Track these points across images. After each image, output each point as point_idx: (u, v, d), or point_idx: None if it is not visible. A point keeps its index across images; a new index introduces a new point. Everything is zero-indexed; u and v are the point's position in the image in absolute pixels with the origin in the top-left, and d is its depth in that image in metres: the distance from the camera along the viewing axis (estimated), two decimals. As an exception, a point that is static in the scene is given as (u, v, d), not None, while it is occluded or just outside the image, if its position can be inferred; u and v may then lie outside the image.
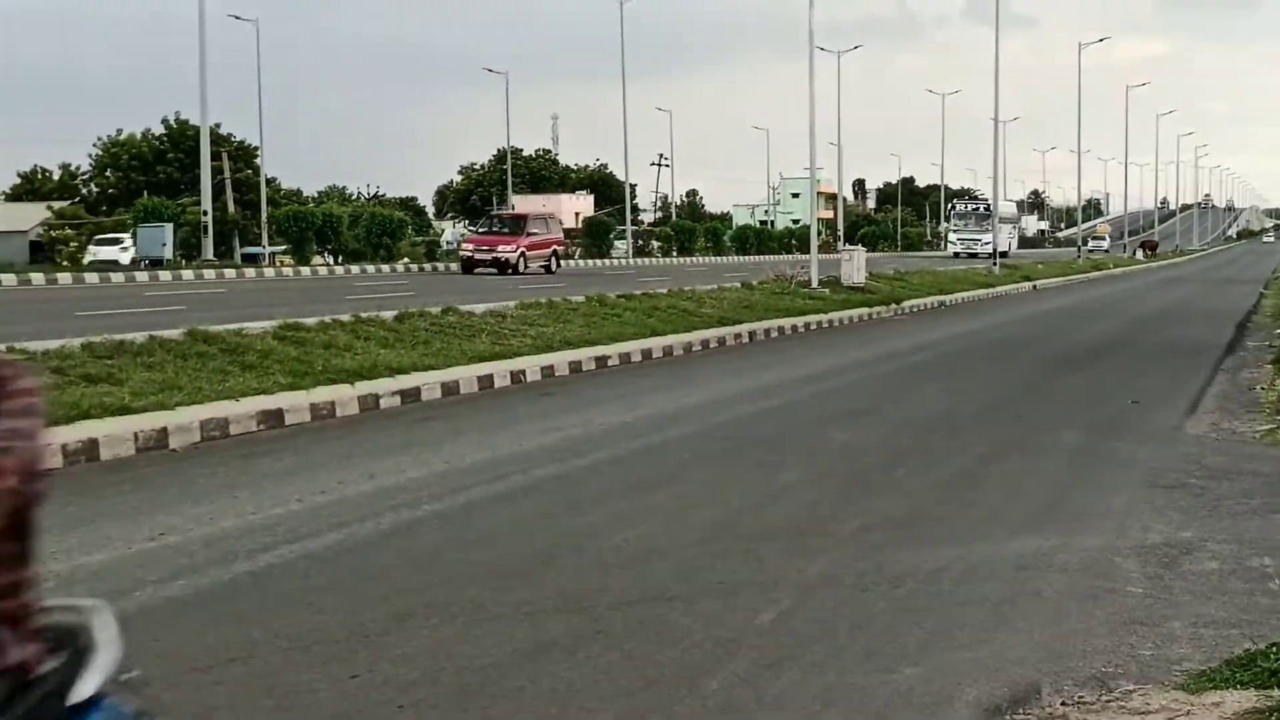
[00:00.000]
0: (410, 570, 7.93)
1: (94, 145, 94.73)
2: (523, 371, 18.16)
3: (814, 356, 22.98)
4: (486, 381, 17.22)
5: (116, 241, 58.06)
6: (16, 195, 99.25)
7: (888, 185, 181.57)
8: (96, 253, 55.59)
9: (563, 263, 56.41)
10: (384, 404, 15.18)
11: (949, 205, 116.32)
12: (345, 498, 9.98)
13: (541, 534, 8.95)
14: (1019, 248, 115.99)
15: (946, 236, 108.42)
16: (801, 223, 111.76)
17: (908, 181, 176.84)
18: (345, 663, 6.19)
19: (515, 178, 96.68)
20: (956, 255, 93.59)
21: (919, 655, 6.50)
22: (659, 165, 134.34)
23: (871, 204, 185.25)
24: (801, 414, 15.42)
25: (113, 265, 51.20)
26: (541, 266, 51.15)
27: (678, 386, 17.84)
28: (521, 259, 49.64)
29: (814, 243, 41.84)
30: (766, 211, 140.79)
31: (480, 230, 55.85)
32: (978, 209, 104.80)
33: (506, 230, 52.27)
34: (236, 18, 64.60)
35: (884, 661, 6.41)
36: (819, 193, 64.75)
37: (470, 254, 50.49)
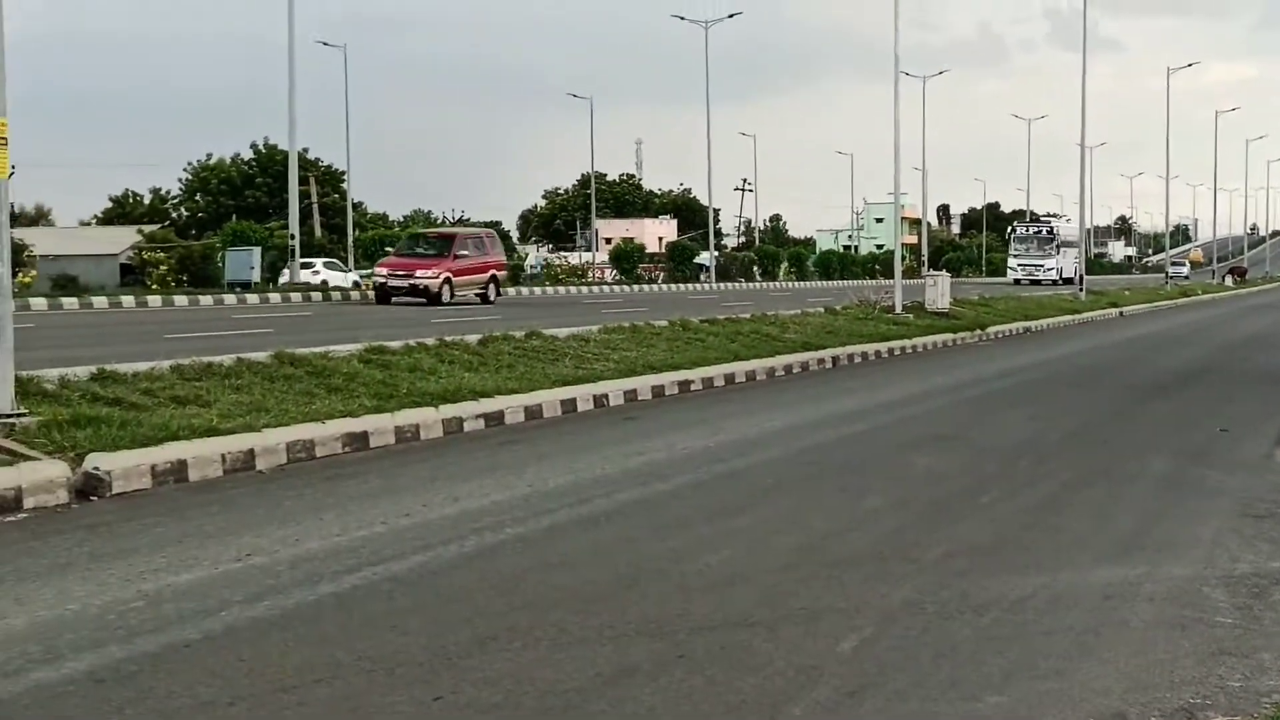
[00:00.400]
0: (493, 593, 7.96)
1: (184, 170, 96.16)
2: (605, 395, 18.19)
3: (898, 382, 22.87)
4: (569, 405, 17.26)
5: (309, 266, 60.58)
6: (108, 219, 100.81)
7: (972, 210, 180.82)
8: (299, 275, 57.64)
9: (504, 290, 48.32)
10: (468, 427, 15.25)
11: (1009, 229, 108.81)
12: (429, 520, 10.04)
13: (624, 558, 8.95)
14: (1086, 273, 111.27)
15: (1006, 262, 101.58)
16: (885, 248, 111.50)
17: (992, 207, 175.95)
18: (428, 685, 6.22)
19: (599, 202, 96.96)
20: (1017, 282, 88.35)
21: (1003, 684, 6.45)
22: (743, 190, 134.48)
23: (956, 229, 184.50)
24: (885, 439, 15.35)
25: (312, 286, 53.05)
26: (477, 295, 44.82)
27: (761, 411, 17.80)
28: (446, 286, 43.07)
29: (898, 268, 41.71)
30: (850, 236, 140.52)
31: (400, 252, 47.27)
32: (1039, 232, 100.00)
33: (432, 252, 44.90)
34: (325, 44, 65.43)
35: (968, 690, 6.36)
36: (903, 218, 64.55)
37: (384, 280, 43.67)
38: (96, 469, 10.90)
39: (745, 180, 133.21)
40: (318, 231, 73.34)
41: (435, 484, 11.65)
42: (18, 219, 78.67)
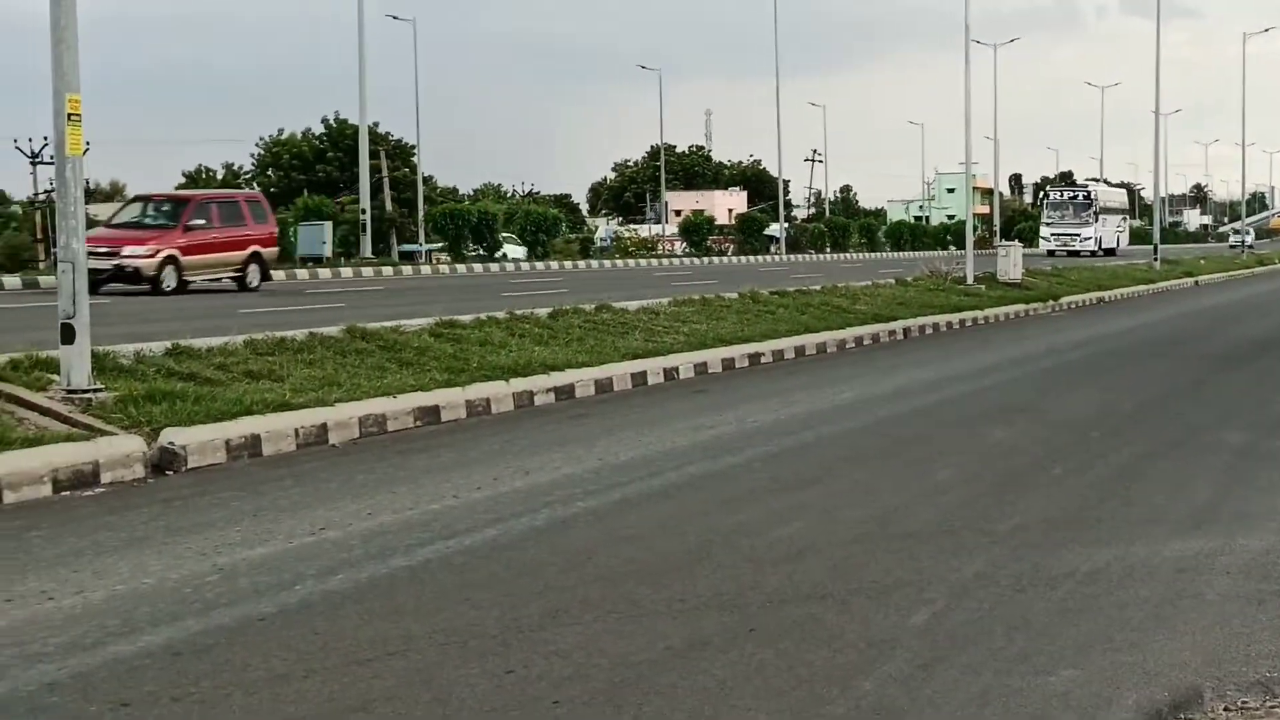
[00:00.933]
0: (564, 566, 7.98)
1: (256, 145, 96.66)
2: (676, 368, 18.19)
3: (969, 353, 22.75)
4: (640, 378, 17.27)
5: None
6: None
7: (1045, 179, 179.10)
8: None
9: (273, 275, 36.58)
10: (538, 401, 15.29)
11: (1040, 194, 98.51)
12: (500, 494, 10.08)
13: (695, 531, 8.96)
14: (1129, 243, 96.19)
15: (1039, 231, 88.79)
16: (956, 218, 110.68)
17: (1066, 175, 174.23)
18: (500, 658, 6.25)
19: (668, 174, 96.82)
20: (1051, 254, 77.06)
21: (1077, 658, 6.41)
22: (812, 161, 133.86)
23: (1028, 199, 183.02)
24: (956, 411, 15.27)
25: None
26: (231, 279, 34.03)
27: (831, 384, 17.75)
28: (170, 268, 31.95)
29: (969, 238, 41.44)
30: (921, 207, 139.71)
31: (117, 223, 34.32)
32: (1074, 198, 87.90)
33: (158, 222, 33.47)
34: (395, 18, 65.52)
35: (1041, 664, 6.33)
36: (974, 188, 64.07)
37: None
38: (171, 444, 11.02)
39: (815, 151, 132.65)
40: (388, 206, 73.56)
41: (506, 457, 11.70)
42: (92, 195, 79.45)
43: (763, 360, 20.35)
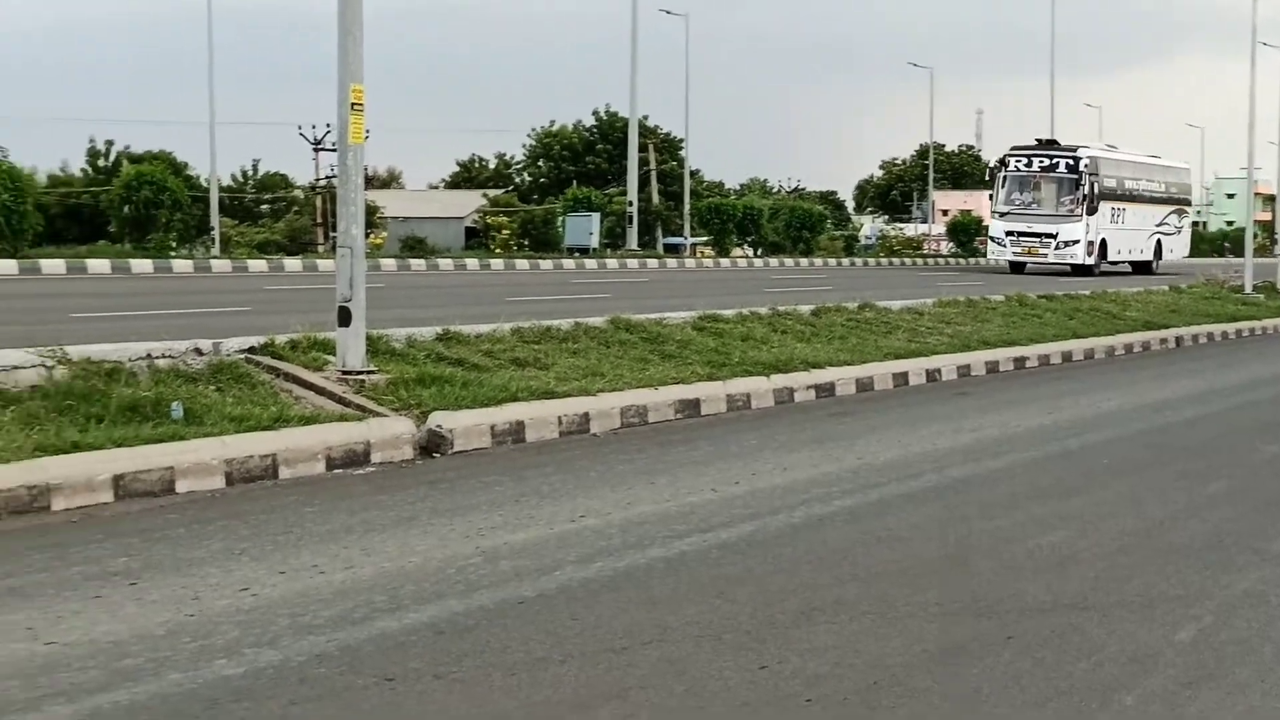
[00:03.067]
0: (820, 565, 7.97)
1: (528, 136, 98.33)
2: (938, 370, 18.00)
3: (1245, 364, 22.04)
4: (901, 379, 17.13)
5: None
6: (455, 183, 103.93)
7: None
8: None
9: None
10: (798, 398, 15.27)
11: (994, 162, 54.10)
12: (758, 489, 10.10)
13: (953, 535, 8.87)
14: (1187, 253, 60.36)
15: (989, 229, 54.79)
16: (1235, 224, 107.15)
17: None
18: (754, 653, 6.27)
19: (936, 173, 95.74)
20: (1018, 268, 49.43)
21: (1350, 684, 6.18)
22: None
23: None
24: (1229, 423, 14.82)
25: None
26: None
27: (1098, 390, 17.37)
28: None
29: (1249, 245, 40.11)
30: (1199, 212, 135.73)
31: None
32: (1051, 167, 49.88)
33: None
34: (668, 12, 65.98)
35: (1312, 688, 6.11)
36: (1256, 194, 61.70)
37: None
38: (440, 427, 11.29)
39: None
40: (655, 198, 74.22)
41: (765, 453, 11.72)
42: (371, 182, 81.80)
43: (1028, 364, 20.00)
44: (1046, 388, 17.55)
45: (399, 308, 19.36)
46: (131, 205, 38.54)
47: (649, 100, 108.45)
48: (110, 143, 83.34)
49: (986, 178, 52.17)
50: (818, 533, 8.79)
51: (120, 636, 6.18)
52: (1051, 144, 51.26)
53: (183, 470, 9.47)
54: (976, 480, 10.89)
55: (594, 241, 54.88)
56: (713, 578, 7.59)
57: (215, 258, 39.47)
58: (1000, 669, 6.18)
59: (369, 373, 12.18)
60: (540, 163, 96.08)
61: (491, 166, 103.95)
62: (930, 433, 13.15)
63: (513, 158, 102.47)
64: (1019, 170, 50.29)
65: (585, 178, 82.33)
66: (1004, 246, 50.01)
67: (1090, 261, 49.04)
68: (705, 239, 64.56)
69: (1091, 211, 49.13)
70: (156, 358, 11.48)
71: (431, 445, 11.22)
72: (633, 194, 57.41)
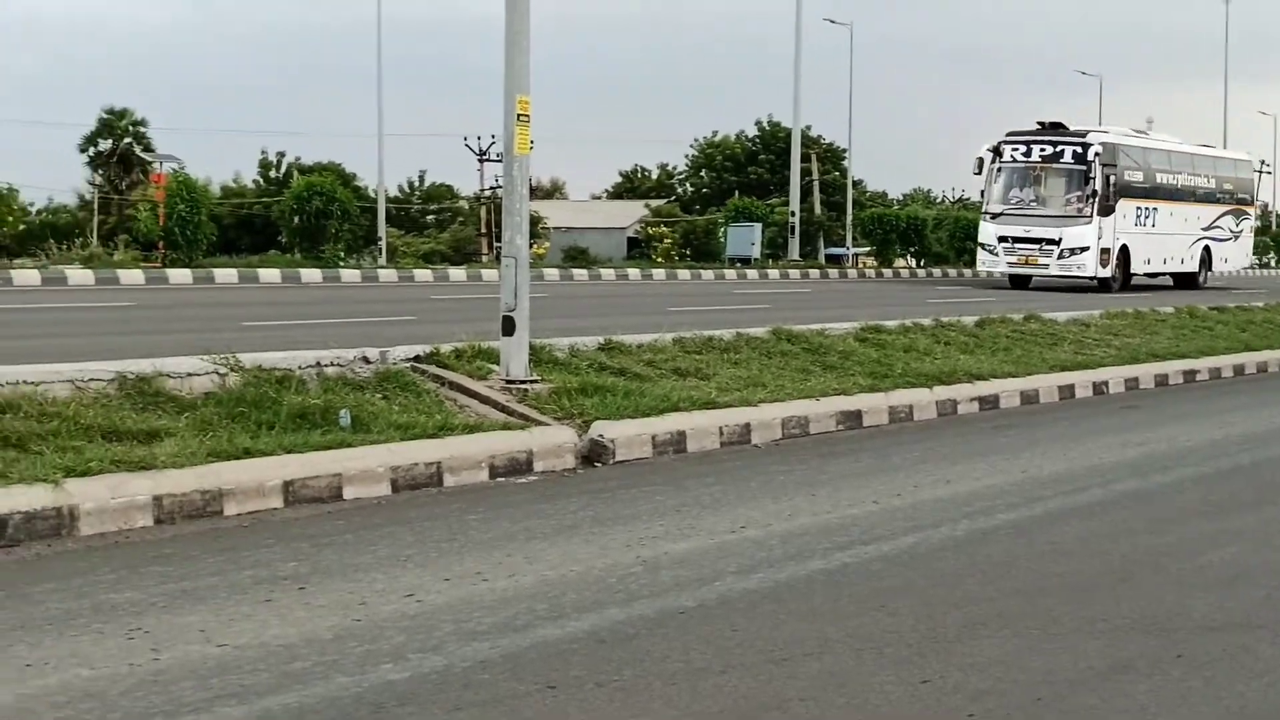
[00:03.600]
0: (983, 578, 7.89)
1: (690, 146, 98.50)
2: (1105, 382, 17.72)
3: None
4: (1067, 391, 16.90)
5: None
6: (618, 193, 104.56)
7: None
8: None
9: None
10: (961, 410, 15.14)
11: (984, 150, 41.56)
12: (920, 501, 10.03)
13: (1119, 550, 8.73)
14: (1245, 263, 51.92)
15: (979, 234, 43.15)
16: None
17: None
18: (916, 666, 6.23)
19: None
20: (1019, 283, 40.92)
21: None
22: (1260, 172, 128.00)
23: None
24: None
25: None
26: None
27: (1272, 405, 17.00)
28: None
29: None
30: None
31: None
32: (1055, 155, 40.31)
33: None
34: (832, 21, 65.80)
35: None
36: None
37: None
38: (601, 436, 11.37)
39: (1263, 162, 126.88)
40: (817, 209, 73.98)
41: (927, 465, 11.63)
42: (535, 192, 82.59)
43: (1198, 378, 19.61)
44: (1217, 402, 17.20)
45: (561, 317, 19.52)
46: (302, 216, 39.28)
47: (812, 110, 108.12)
48: (281, 154, 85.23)
49: (975, 170, 40.95)
50: (981, 546, 8.71)
51: (290, 640, 6.31)
52: (1057, 128, 40.99)
53: (350, 477, 9.64)
54: (1144, 495, 10.71)
55: (755, 252, 54.78)
56: (874, 590, 7.55)
57: (382, 267, 40.11)
58: (1168, 688, 6.07)
59: (532, 382, 12.30)
60: (702, 173, 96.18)
61: (654, 177, 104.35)
62: (1096, 446, 12.95)
63: (675, 168, 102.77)
64: (1015, 161, 40.64)
65: (747, 188, 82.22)
66: (996, 255, 40.68)
67: (1106, 273, 39.84)
68: (867, 249, 64.17)
69: (1106, 211, 39.51)
70: (325, 366, 11.71)
71: (593, 454, 11.29)
72: (794, 204, 57.25)
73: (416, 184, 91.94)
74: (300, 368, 11.48)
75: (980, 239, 41.69)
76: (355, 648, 6.21)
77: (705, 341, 15.59)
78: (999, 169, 40.86)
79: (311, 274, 34.79)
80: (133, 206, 53.79)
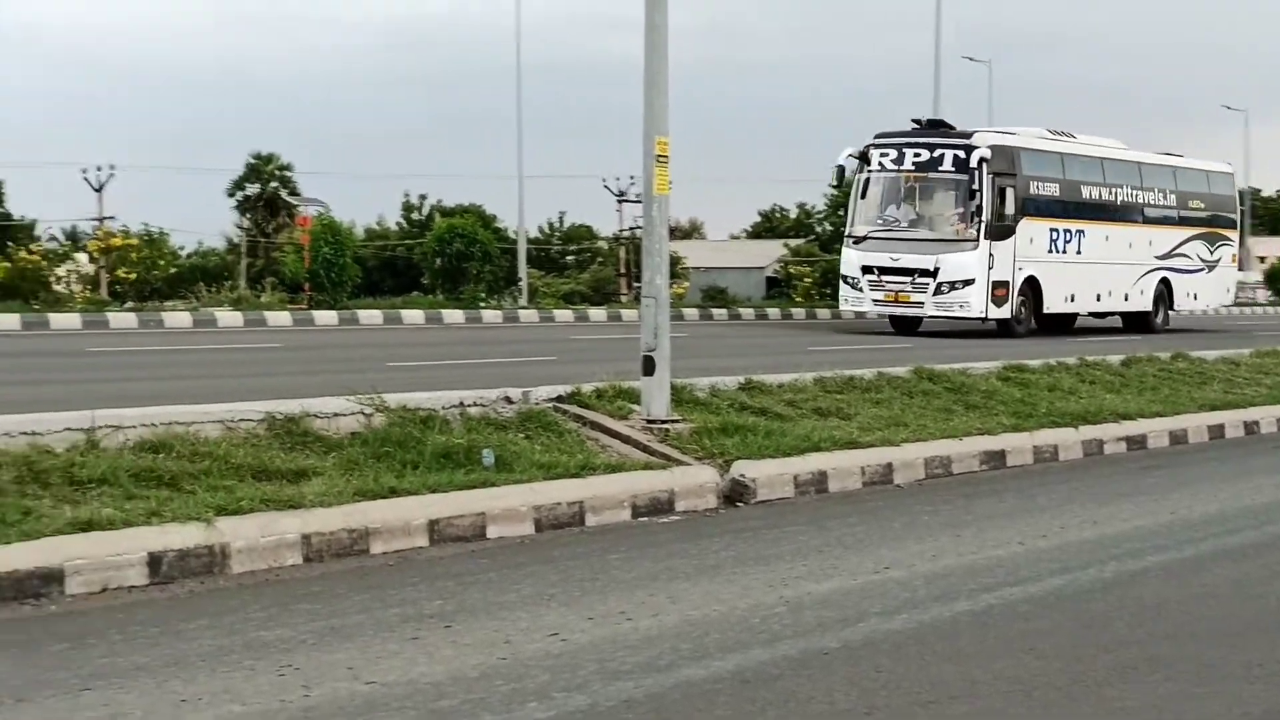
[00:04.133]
0: (1132, 621, 7.76)
1: (829, 185, 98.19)
2: (1256, 422, 17.36)
3: None
4: (1216, 431, 16.58)
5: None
6: (757, 233, 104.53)
7: None
8: None
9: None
10: (1108, 450, 14.92)
11: (844, 156, 32.70)
12: (1066, 543, 9.89)
13: (1275, 593, 8.54)
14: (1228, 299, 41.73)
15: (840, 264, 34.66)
16: None
17: None
18: (1065, 710, 6.14)
19: (1255, 219, 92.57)
20: (896, 325, 32.78)
21: None
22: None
23: None
24: None
25: None
26: None
27: None
28: None
29: None
30: None
31: None
32: (925, 161, 31.30)
33: None
34: (970, 59, 65.42)
35: None
36: None
37: None
38: (743, 476, 11.35)
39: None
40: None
41: (1072, 506, 11.48)
42: (674, 232, 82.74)
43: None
44: (1374, 441, 16.77)
45: (701, 357, 19.53)
46: (444, 257, 39.70)
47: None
48: (424, 197, 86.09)
49: (833, 182, 34.47)
50: (1130, 588, 8.56)
51: (436, 678, 6.37)
52: (937, 127, 32.64)
53: (494, 516, 9.72)
54: (1299, 537, 10.48)
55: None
56: (1021, 632, 7.46)
57: (523, 307, 40.39)
58: (1327, 735, 5.93)
59: (673, 421, 12.31)
60: (841, 212, 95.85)
61: (792, 216, 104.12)
62: (1249, 487, 12.71)
63: (814, 207, 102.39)
64: (884, 169, 31.72)
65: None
66: (860, 291, 31.75)
67: (1001, 313, 31.11)
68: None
69: (1000, 233, 30.64)
70: (468, 406, 11.82)
71: (735, 494, 11.28)
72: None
73: (556, 225, 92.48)
74: (444, 408, 11.59)
75: (842, 269, 33.05)
76: (501, 686, 6.25)
77: (846, 381, 15.50)
78: (866, 180, 32.23)
79: (454, 315, 35.12)
80: (279, 249, 54.73)
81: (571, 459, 10.92)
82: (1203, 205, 38.24)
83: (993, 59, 66.54)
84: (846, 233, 33.28)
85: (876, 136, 32.34)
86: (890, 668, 6.71)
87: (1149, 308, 36.07)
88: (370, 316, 33.96)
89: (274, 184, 79.44)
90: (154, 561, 8.14)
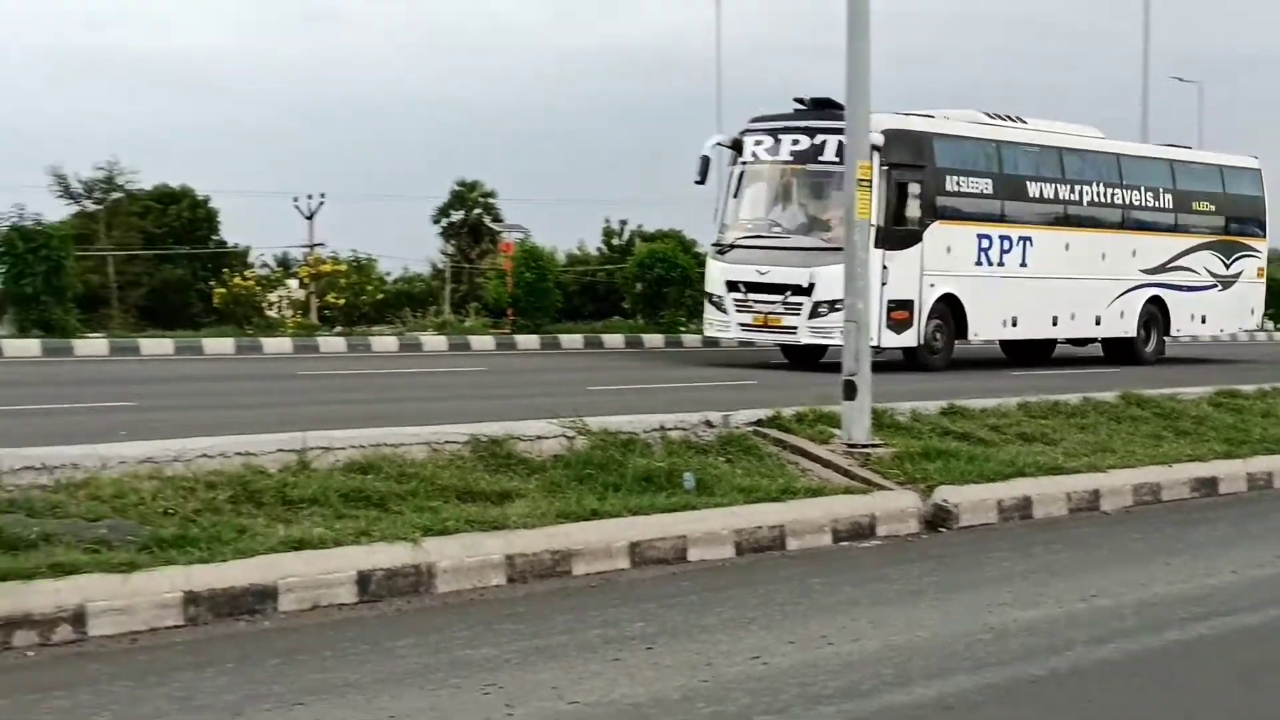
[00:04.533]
0: (1354, 655, 7.53)
1: (694, 181, 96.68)
2: None
3: None
4: None
5: None
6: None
7: None
8: None
9: None
10: (1327, 477, 14.46)
11: (712, 143, 25.87)
12: (1283, 573, 9.63)
13: None
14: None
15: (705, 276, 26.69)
16: None
17: None
18: (1281, 745, 5.99)
19: None
20: (789, 355, 25.74)
21: None
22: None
23: None
24: None
25: None
26: None
27: None
28: None
29: None
30: None
31: None
32: (806, 150, 24.17)
33: None
34: (1179, 79, 64.05)
35: None
36: None
37: None
38: (945, 501, 11.23)
39: None
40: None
41: (1290, 535, 11.17)
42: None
43: None
44: None
45: (899, 383, 19.35)
46: (644, 282, 39.90)
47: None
48: (624, 222, 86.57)
49: (698, 178, 25.50)
50: (1351, 621, 8.30)
51: (638, 699, 6.40)
52: (824, 106, 23.79)
53: (694, 539, 9.74)
54: None
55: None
56: (1236, 664, 7.28)
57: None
58: None
59: (874, 446, 12.22)
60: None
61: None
62: None
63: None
64: (758, 159, 25.15)
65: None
66: (724, 312, 24.97)
67: (902, 340, 24.30)
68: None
69: (898, 240, 23.78)
70: (669, 429, 11.87)
71: (937, 519, 11.17)
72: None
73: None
74: (645, 431, 11.65)
75: (706, 285, 25.91)
76: (702, 708, 6.26)
77: (1051, 406, 15.26)
78: (741, 174, 25.46)
79: (653, 339, 35.28)
80: (482, 275, 55.45)
81: (772, 483, 10.90)
82: (1214, 208, 30.50)
83: (1203, 80, 64.84)
84: (713, 240, 26.08)
85: (752, 120, 25.67)
86: (1099, 697, 6.59)
87: (1132, 333, 28.64)
88: (571, 341, 34.24)
89: (477, 210, 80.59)
90: (363, 580, 8.30)
